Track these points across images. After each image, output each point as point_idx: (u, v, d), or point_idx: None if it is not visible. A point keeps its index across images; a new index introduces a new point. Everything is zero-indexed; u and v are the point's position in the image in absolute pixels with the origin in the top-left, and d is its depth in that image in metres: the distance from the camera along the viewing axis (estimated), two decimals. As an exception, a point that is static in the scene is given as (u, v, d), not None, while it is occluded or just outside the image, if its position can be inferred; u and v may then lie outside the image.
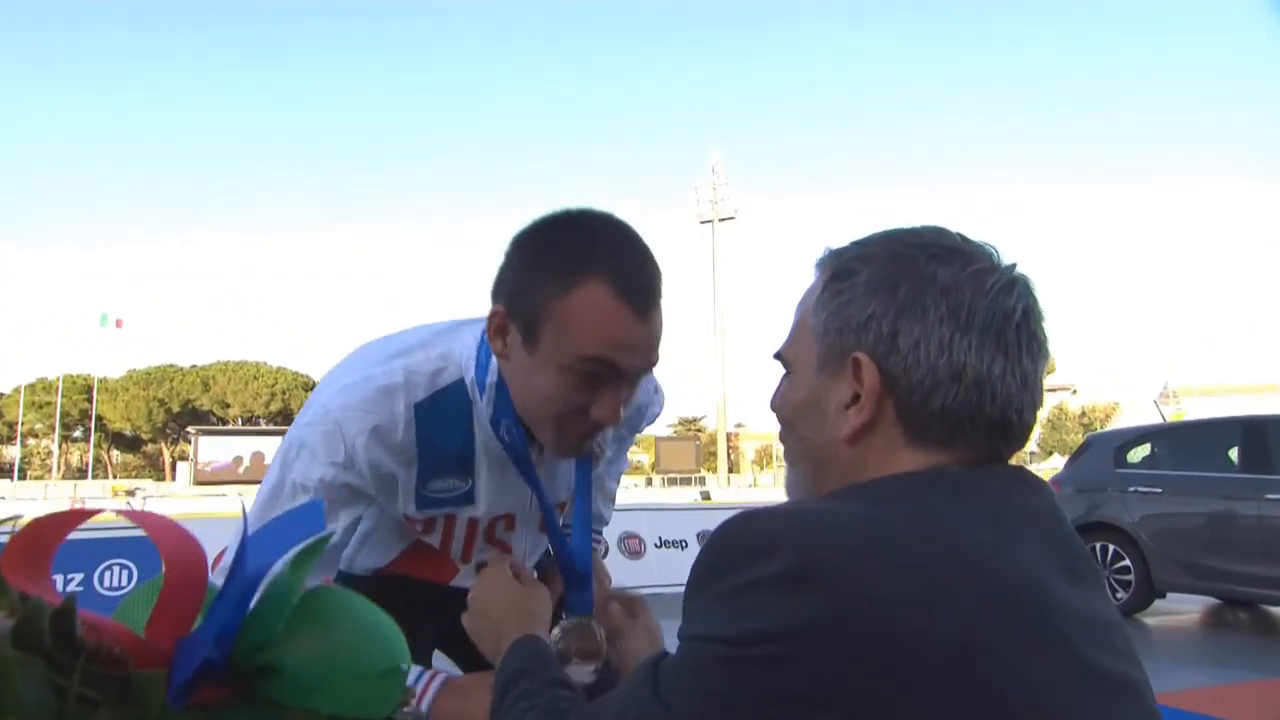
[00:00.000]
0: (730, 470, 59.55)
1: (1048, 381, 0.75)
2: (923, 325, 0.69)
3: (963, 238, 0.74)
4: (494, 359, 1.11)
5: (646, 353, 1.04)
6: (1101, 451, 7.23)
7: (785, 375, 0.81)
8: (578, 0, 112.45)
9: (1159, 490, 6.66)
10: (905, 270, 0.71)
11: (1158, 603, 6.84)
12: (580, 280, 0.99)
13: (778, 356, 0.82)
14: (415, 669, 1.10)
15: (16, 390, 59.88)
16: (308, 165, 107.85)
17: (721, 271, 58.50)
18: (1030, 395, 0.71)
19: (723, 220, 60.10)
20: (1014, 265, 0.73)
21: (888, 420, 0.71)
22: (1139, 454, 7.04)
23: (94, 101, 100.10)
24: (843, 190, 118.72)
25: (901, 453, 0.71)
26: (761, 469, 74.09)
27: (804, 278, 0.81)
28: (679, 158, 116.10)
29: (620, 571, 7.85)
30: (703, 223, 60.94)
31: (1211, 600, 7.20)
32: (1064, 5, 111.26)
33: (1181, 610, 7.14)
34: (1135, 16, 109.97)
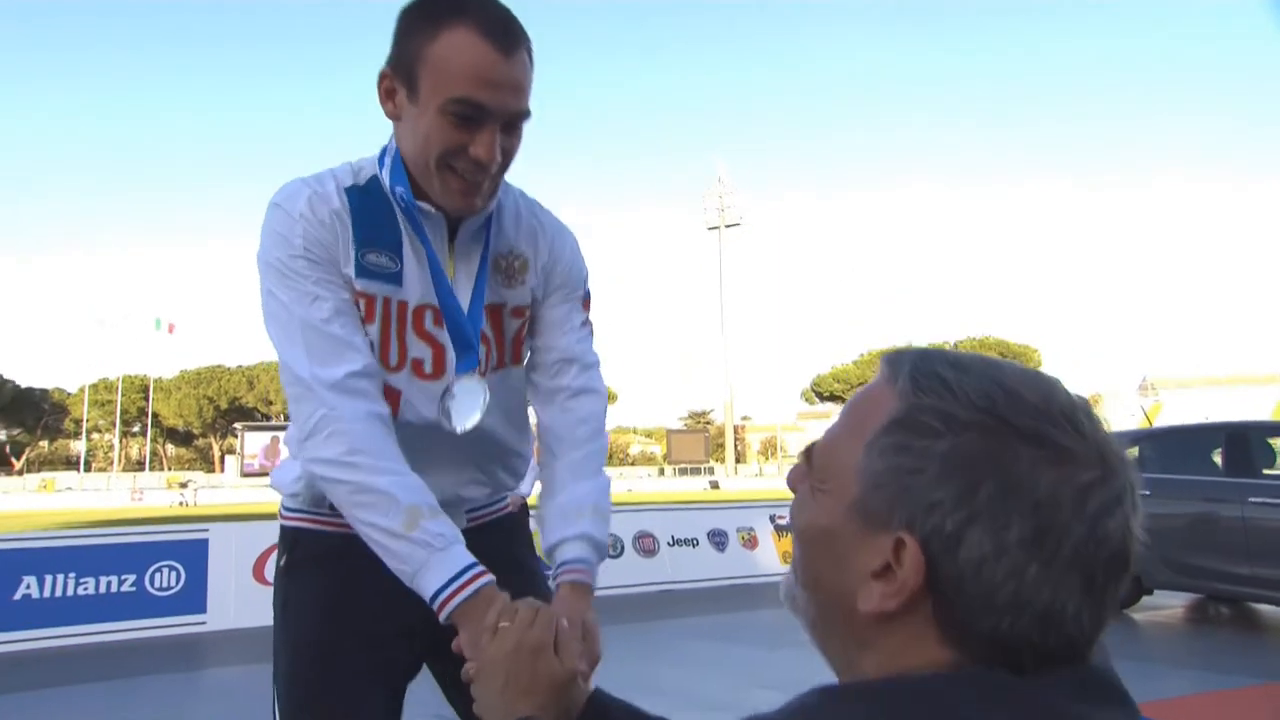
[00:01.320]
0: (737, 460, 59.45)
1: None
2: (996, 542, 0.51)
3: (1073, 415, 0.54)
4: (392, 144, 1.23)
5: (514, 91, 1.11)
6: (1091, 455, 7.09)
7: (809, 476, 0.62)
8: (591, 13, 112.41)
9: (1147, 492, 6.19)
10: (998, 461, 0.52)
11: (1145, 599, 6.75)
12: (448, 25, 1.09)
13: (807, 453, 0.64)
14: (445, 575, 1.10)
15: (81, 390, 60.59)
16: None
17: (728, 274, 58.37)
18: (1106, 615, 0.54)
19: (729, 227, 60.00)
20: (1124, 464, 0.54)
21: (921, 616, 0.54)
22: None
23: (143, 112, 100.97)
24: (844, 195, 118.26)
25: (932, 648, 0.54)
26: (766, 459, 73.83)
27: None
28: (688, 167, 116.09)
29: (635, 569, 7.77)
30: (710, 229, 60.83)
31: (1196, 596, 7.07)
32: (1055, 12, 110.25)
33: (1168, 606, 7.02)
34: (1128, 22, 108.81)
